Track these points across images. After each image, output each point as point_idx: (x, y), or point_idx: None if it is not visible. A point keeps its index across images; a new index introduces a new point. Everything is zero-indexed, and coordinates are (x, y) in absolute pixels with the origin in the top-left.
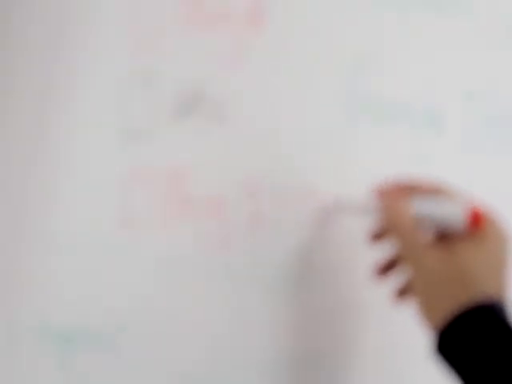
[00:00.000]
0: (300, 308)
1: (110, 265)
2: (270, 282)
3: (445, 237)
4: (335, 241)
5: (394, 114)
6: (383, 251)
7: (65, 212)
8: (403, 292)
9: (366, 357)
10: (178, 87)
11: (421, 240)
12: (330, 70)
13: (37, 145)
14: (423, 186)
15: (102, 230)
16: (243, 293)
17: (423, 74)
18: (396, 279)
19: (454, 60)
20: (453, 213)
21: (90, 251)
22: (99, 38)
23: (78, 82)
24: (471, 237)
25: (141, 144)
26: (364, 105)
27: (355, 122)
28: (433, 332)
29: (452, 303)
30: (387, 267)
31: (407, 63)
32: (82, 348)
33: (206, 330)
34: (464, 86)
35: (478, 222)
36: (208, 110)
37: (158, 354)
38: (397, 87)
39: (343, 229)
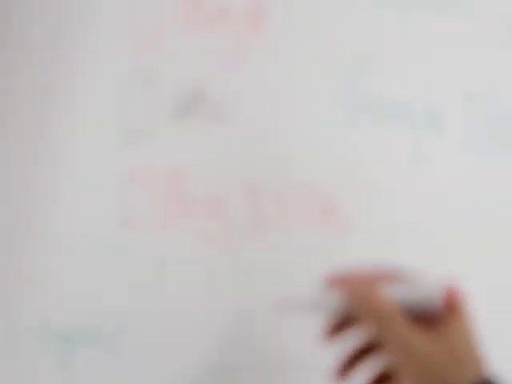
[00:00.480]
0: None
1: (110, 265)
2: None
3: (419, 319)
4: None
5: (393, 113)
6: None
7: (65, 212)
8: (381, 381)
9: None
10: (178, 87)
11: (404, 324)
12: (330, 70)
13: (37, 145)
14: (380, 273)
15: (102, 230)
16: (243, 293)
17: (423, 74)
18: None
19: (454, 60)
20: (428, 295)
21: (89, 251)
22: (99, 38)
23: (78, 82)
24: (449, 316)
25: (141, 144)
26: (364, 105)
27: (355, 122)
28: None
29: None
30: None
31: (407, 63)
32: (81, 348)
33: (206, 330)
34: (464, 85)
35: (453, 302)
36: (208, 110)
37: (157, 354)
38: (397, 87)
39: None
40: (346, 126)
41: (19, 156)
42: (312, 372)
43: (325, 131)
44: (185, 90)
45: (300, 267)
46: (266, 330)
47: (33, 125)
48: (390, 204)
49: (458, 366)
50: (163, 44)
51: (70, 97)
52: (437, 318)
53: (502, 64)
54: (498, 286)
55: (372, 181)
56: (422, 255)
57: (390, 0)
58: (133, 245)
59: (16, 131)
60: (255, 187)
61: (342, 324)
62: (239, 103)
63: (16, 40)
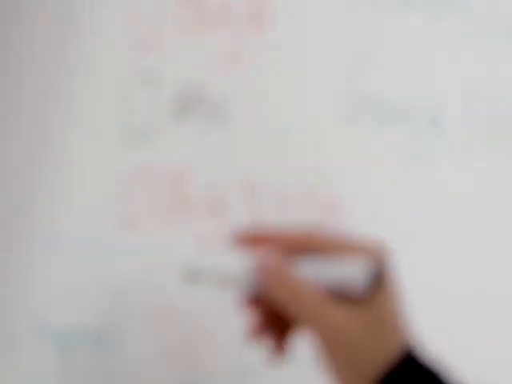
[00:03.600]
0: None
1: (110, 265)
2: None
3: (339, 295)
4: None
5: (394, 113)
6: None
7: (65, 212)
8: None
9: None
10: (178, 87)
11: (320, 302)
12: (330, 70)
13: (37, 145)
14: (299, 240)
15: (101, 230)
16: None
17: (423, 74)
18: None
19: (454, 60)
20: (349, 270)
21: (89, 251)
22: (99, 38)
23: (78, 82)
24: (374, 291)
25: (141, 144)
26: (364, 105)
27: (355, 122)
28: None
29: (376, 361)
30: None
31: (407, 63)
32: (81, 348)
33: (206, 330)
34: (464, 86)
35: (378, 277)
36: (208, 110)
37: (157, 354)
38: (397, 87)
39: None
40: (346, 125)
41: (19, 156)
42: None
43: (325, 131)
44: (185, 90)
45: None
46: None
47: (33, 125)
48: (389, 204)
49: (379, 342)
50: (163, 44)
51: (70, 97)
52: (359, 293)
53: (502, 64)
54: (499, 286)
55: (372, 181)
56: (422, 255)
57: (390, 0)
58: (133, 245)
59: (16, 131)
60: (255, 187)
61: (255, 297)
62: (239, 103)
63: (16, 40)
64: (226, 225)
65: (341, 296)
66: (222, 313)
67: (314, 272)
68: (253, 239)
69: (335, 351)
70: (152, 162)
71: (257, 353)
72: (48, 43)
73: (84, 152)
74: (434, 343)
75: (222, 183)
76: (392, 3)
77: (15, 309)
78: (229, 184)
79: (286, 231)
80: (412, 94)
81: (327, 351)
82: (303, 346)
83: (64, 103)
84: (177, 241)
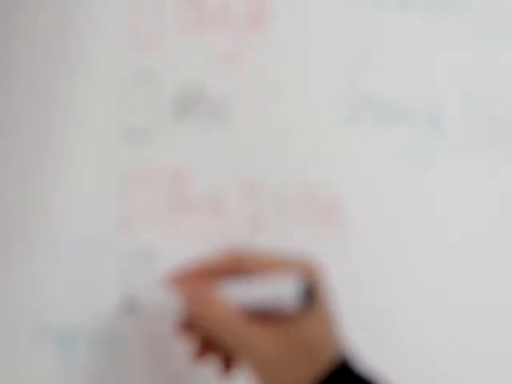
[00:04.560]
0: None
1: (110, 265)
2: None
3: (268, 316)
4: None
5: (394, 113)
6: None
7: (65, 212)
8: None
9: None
10: (178, 87)
11: (242, 325)
12: (330, 70)
13: (36, 145)
14: (223, 266)
15: (101, 230)
16: None
17: (423, 74)
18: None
19: (454, 60)
20: (277, 290)
21: (89, 251)
22: (99, 38)
23: (79, 82)
24: (303, 310)
25: (141, 144)
26: (364, 105)
27: (355, 122)
28: None
29: (301, 379)
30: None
31: (407, 63)
32: (81, 348)
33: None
34: (464, 86)
35: (307, 295)
36: (208, 110)
37: (157, 353)
38: (397, 87)
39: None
40: (346, 125)
41: (19, 156)
42: None
43: (325, 131)
44: (185, 90)
45: None
46: None
47: (33, 125)
48: (389, 204)
49: (307, 360)
50: (163, 44)
51: (70, 97)
52: (288, 311)
53: (502, 64)
54: (499, 286)
55: (372, 181)
56: (421, 255)
57: (390, 0)
58: (133, 245)
59: (16, 131)
60: (255, 187)
61: (187, 324)
62: (239, 103)
63: (16, 40)
64: (226, 225)
65: (269, 315)
66: None
67: (240, 294)
68: (182, 276)
69: (260, 372)
70: (152, 162)
71: None
72: (48, 43)
73: (84, 152)
74: (431, 341)
75: (222, 183)
76: (392, 3)
77: (15, 309)
78: (229, 184)
79: (212, 260)
80: (412, 94)
81: (253, 372)
82: None
83: (64, 103)
84: (177, 241)
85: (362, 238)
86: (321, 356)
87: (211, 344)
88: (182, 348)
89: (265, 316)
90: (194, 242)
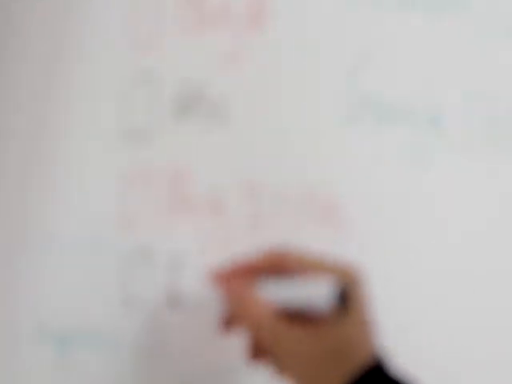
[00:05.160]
0: None
1: (110, 265)
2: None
3: (304, 317)
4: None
5: (394, 113)
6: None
7: (64, 212)
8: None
9: None
10: (178, 87)
11: (280, 325)
12: (330, 70)
13: (37, 145)
14: (266, 266)
15: (101, 230)
16: None
17: (423, 74)
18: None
19: (454, 60)
20: (315, 292)
21: (89, 252)
22: (99, 38)
23: (79, 82)
24: (339, 312)
25: (141, 144)
26: (364, 105)
27: (355, 122)
28: None
29: (335, 380)
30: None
31: (407, 63)
32: (81, 348)
33: (207, 329)
34: (464, 85)
35: (343, 299)
36: (208, 110)
37: (157, 354)
38: (397, 87)
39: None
40: (346, 125)
41: (19, 156)
42: None
43: (325, 131)
44: (185, 90)
45: None
46: None
47: (33, 125)
48: (389, 204)
49: (340, 362)
50: (163, 44)
51: (70, 97)
52: (323, 314)
53: (502, 64)
54: (499, 286)
55: (372, 181)
56: (421, 255)
57: (390, 0)
58: (133, 245)
59: (16, 131)
60: (255, 187)
61: (229, 322)
62: (239, 103)
63: (16, 40)
64: (226, 225)
65: (305, 316)
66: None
67: (279, 293)
68: (225, 274)
69: (293, 371)
70: (152, 162)
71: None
72: (48, 43)
73: (84, 152)
74: (431, 341)
75: (222, 183)
76: (392, 3)
77: (15, 309)
78: (229, 184)
79: (254, 258)
80: (412, 94)
81: (287, 371)
82: None
83: (64, 103)
84: (177, 241)
85: (361, 237)
86: (354, 358)
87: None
88: (182, 348)
89: (300, 316)
90: (194, 242)
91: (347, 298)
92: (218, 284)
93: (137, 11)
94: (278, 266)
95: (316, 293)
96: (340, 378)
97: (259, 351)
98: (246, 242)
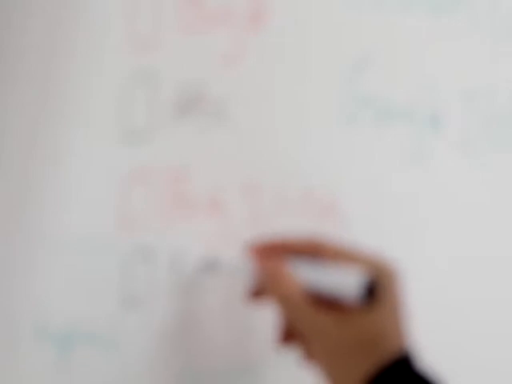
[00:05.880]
0: None
1: (110, 265)
2: None
3: (333, 303)
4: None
5: (393, 113)
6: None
7: (64, 212)
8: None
9: None
10: (178, 87)
11: (307, 306)
12: (330, 70)
13: (37, 145)
14: (303, 247)
15: (101, 230)
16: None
17: (423, 74)
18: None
19: (453, 60)
20: (346, 281)
21: (89, 252)
22: (99, 37)
23: (78, 82)
24: (369, 303)
25: (141, 144)
26: (364, 105)
27: (355, 122)
28: None
29: (361, 369)
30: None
31: (407, 63)
32: (81, 348)
33: (205, 330)
34: (464, 85)
35: (373, 291)
36: (208, 110)
37: (157, 354)
38: (397, 87)
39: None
40: (345, 125)
41: (19, 156)
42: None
43: (325, 131)
44: (185, 89)
45: None
46: (269, 329)
47: (33, 125)
48: (389, 204)
49: (367, 351)
50: (163, 44)
51: (70, 97)
52: (354, 303)
53: (502, 64)
54: (498, 286)
55: (372, 181)
56: (421, 255)
57: (390, 0)
58: (132, 245)
59: (16, 131)
60: (255, 187)
61: (258, 293)
62: (239, 103)
63: (16, 40)
64: (226, 224)
65: (333, 303)
66: (223, 313)
67: (312, 277)
68: (261, 249)
69: (320, 355)
70: (152, 162)
71: (255, 352)
72: (47, 43)
73: (84, 152)
74: (432, 341)
75: (222, 183)
76: (392, 3)
77: (15, 309)
78: (229, 184)
79: (291, 238)
80: (412, 94)
81: (314, 355)
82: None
83: (64, 103)
84: (177, 241)
85: (361, 237)
86: (381, 350)
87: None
88: (182, 348)
89: (328, 302)
90: (194, 242)
91: (377, 290)
92: (253, 257)
93: (137, 11)
94: (313, 249)
95: (346, 281)
96: (366, 368)
97: (288, 334)
98: (245, 242)
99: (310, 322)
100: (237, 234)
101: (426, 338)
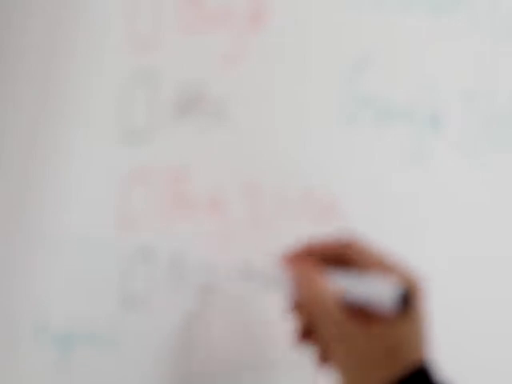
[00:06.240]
0: None
1: (110, 265)
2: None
3: (364, 313)
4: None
5: (393, 113)
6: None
7: (64, 212)
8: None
9: None
10: (178, 87)
11: (338, 316)
12: (330, 70)
13: (37, 145)
14: (338, 253)
15: (101, 230)
16: (243, 293)
17: (423, 74)
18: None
19: (453, 60)
20: (377, 292)
21: (89, 251)
22: (99, 37)
23: (78, 82)
24: (398, 315)
25: (141, 144)
26: (364, 105)
27: (355, 122)
28: None
29: (381, 377)
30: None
31: (407, 63)
32: (81, 348)
33: (205, 330)
34: (464, 85)
35: (403, 303)
36: (208, 110)
37: (157, 354)
38: (397, 87)
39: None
40: (345, 125)
41: (19, 156)
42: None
43: (325, 131)
44: (185, 89)
45: None
46: (269, 329)
47: (33, 125)
48: (389, 204)
49: (391, 362)
50: (163, 44)
51: (70, 97)
52: (384, 313)
53: (502, 64)
54: (498, 286)
55: (372, 181)
56: (421, 255)
57: (390, 0)
58: (132, 245)
59: (16, 131)
60: (255, 187)
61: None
62: (239, 103)
63: (15, 40)
64: (226, 224)
65: (364, 312)
66: (223, 313)
67: (344, 284)
68: (295, 256)
69: (346, 365)
70: (152, 162)
71: (255, 353)
72: (47, 43)
73: (84, 152)
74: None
75: (222, 183)
76: (392, 3)
77: (15, 309)
78: (229, 184)
79: (323, 243)
80: (412, 93)
81: (340, 363)
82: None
83: (64, 103)
84: (177, 240)
85: (361, 237)
86: (403, 361)
87: (312, 329)
88: (183, 348)
89: (360, 311)
90: (194, 242)
91: (409, 302)
92: (287, 266)
93: (137, 11)
94: (344, 255)
95: (379, 291)
96: (386, 376)
97: (308, 334)
98: (245, 242)
99: (340, 329)
100: (237, 234)
101: (437, 339)
